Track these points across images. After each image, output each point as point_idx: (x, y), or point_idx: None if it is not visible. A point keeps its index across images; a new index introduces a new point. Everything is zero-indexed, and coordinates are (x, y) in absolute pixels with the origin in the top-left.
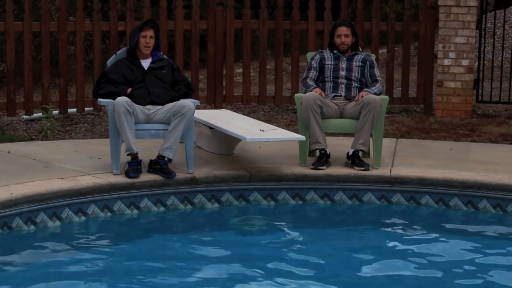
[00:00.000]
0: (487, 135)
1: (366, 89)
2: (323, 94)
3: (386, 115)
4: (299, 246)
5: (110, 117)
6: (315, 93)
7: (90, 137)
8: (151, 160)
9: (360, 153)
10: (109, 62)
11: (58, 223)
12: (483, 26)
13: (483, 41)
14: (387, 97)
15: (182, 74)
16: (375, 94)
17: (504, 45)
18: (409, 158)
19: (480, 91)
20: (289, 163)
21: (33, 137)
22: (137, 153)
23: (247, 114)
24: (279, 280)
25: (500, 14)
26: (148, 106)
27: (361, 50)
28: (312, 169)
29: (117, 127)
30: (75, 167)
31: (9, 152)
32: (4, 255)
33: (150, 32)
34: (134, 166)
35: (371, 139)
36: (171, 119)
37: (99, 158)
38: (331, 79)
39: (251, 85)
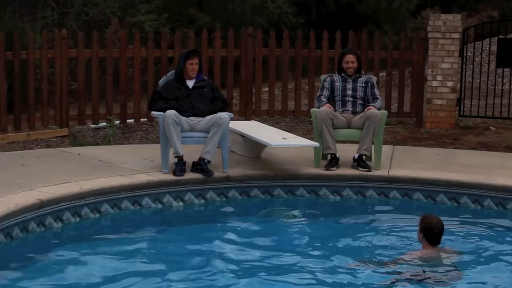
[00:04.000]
0: (468, 143)
1: (371, 104)
2: (332, 108)
3: (385, 126)
4: (313, 231)
5: (161, 127)
6: (327, 108)
7: (144, 143)
8: (193, 162)
9: (364, 157)
10: (161, 82)
11: (118, 211)
12: (464, 54)
13: (464, 66)
14: (386, 111)
15: (219, 92)
16: (377, 108)
17: (482, 70)
18: (404, 161)
19: (462, 107)
20: (306, 165)
21: (99, 142)
22: (182, 156)
23: (272, 125)
24: (296, 257)
25: (478, 45)
26: (191, 118)
27: (363, 73)
28: (325, 170)
29: (167, 134)
30: (132, 166)
31: (79, 154)
32: (75, 239)
33: (195, 60)
34: (180, 166)
35: (372, 146)
36: (210, 128)
37: (151, 160)
38: (340, 98)
39: (275, 101)
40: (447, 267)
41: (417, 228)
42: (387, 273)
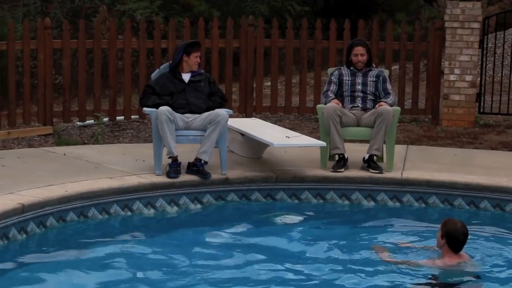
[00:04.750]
0: (488, 142)
1: (383, 100)
2: (340, 104)
3: (398, 124)
4: (319, 238)
5: (154, 124)
6: (335, 104)
7: (135, 142)
8: (189, 163)
9: (375, 158)
10: (153, 75)
11: (106, 217)
12: (485, 45)
13: (485, 59)
14: (399, 108)
15: (217, 87)
16: (390, 104)
17: (504, 63)
18: (418, 162)
19: (482, 103)
20: (311, 166)
21: (86, 141)
22: (177, 156)
23: (274, 123)
24: (298, 267)
25: (500, 35)
26: (187, 115)
27: (374, 66)
28: (332, 171)
29: (160, 133)
30: (122, 168)
31: (64, 154)
32: (59, 245)
33: (199, 53)
34: (174, 167)
35: (384, 146)
36: (207, 126)
37: (143, 160)
38: (349, 93)
39: (278, 97)
40: (467, 276)
41: (438, 233)
42: (404, 277)
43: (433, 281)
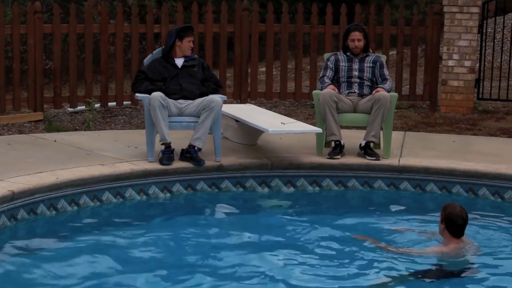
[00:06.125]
0: (487, 129)
1: (380, 86)
2: (336, 90)
3: (395, 110)
4: (315, 225)
5: (146, 110)
6: (331, 90)
7: (128, 128)
8: (182, 149)
9: (372, 144)
10: (146, 61)
11: (98, 204)
12: (484, 30)
13: (484, 44)
14: (396, 94)
15: (211, 72)
16: (387, 90)
17: (503, 48)
18: (416, 149)
19: (481, 89)
20: (307, 153)
21: (77, 127)
22: (170, 143)
23: (270, 109)
24: (294, 255)
25: (499, 20)
26: (180, 101)
27: (371, 51)
28: (328, 158)
29: (152, 119)
30: (114, 154)
31: (55, 141)
32: (50, 233)
33: (192, 37)
34: (167, 154)
35: (381, 132)
36: (201, 113)
37: (136, 147)
38: (345, 79)
39: (273, 83)
40: (468, 262)
41: (439, 219)
42: (402, 264)
43: (434, 268)
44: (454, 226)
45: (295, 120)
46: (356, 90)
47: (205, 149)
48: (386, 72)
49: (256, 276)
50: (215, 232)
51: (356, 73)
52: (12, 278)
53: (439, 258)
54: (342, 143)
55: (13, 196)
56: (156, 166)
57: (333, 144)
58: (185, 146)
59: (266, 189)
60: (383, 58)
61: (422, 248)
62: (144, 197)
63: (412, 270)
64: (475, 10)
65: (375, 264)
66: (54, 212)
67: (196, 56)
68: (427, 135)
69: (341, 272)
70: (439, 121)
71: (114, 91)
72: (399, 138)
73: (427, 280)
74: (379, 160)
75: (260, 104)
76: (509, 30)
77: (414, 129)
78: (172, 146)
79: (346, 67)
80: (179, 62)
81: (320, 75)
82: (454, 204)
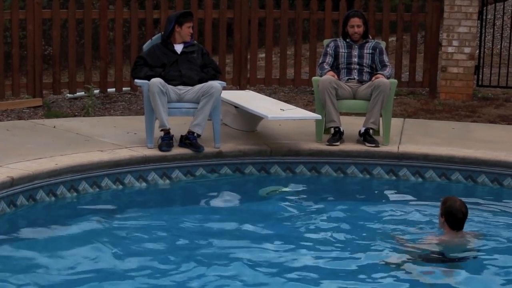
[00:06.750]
0: (486, 116)
1: (380, 72)
2: (336, 76)
3: (395, 97)
4: (314, 212)
5: (145, 96)
6: (331, 76)
7: (127, 114)
8: (182, 136)
9: (371, 131)
10: (145, 46)
11: (97, 190)
12: (484, 17)
13: (483, 30)
14: (395, 80)
15: (211, 58)
16: (386, 77)
17: (503, 35)
18: (415, 136)
19: (481, 76)
20: (306, 139)
21: (76, 113)
22: (169, 129)
23: (269, 95)
24: (292, 241)
25: (499, 6)
26: (179, 87)
27: (371, 38)
28: (327, 145)
29: (152, 105)
30: (114, 141)
31: (54, 127)
32: (49, 219)
33: (192, 23)
34: (166, 140)
35: (381, 119)
36: (200, 99)
37: (135, 133)
38: (345, 65)
39: (272, 69)
40: (468, 251)
41: (438, 212)
42: (401, 252)
43: (434, 256)
44: (453, 219)
45: (295, 107)
46: (355, 77)
47: (204, 136)
48: (385, 58)
49: (256, 262)
50: (214, 219)
51: (355, 59)
52: (10, 264)
53: (441, 247)
54: (341, 129)
55: (12, 182)
56: (155, 152)
57: (332, 130)
58: (184, 132)
59: (265, 176)
60: (383, 44)
61: (420, 238)
62: (143, 183)
63: (414, 259)
64: None
65: (373, 249)
66: (53, 198)
67: (195, 42)
68: (426, 122)
69: (341, 258)
70: (439, 108)
71: (114, 77)
72: (398, 125)
73: (429, 264)
74: (378, 147)
75: (259, 91)
76: (509, 16)
77: (414, 116)
78: (171, 132)
79: (345, 54)
80: (179, 48)
81: (320, 61)
82: (454, 197)
